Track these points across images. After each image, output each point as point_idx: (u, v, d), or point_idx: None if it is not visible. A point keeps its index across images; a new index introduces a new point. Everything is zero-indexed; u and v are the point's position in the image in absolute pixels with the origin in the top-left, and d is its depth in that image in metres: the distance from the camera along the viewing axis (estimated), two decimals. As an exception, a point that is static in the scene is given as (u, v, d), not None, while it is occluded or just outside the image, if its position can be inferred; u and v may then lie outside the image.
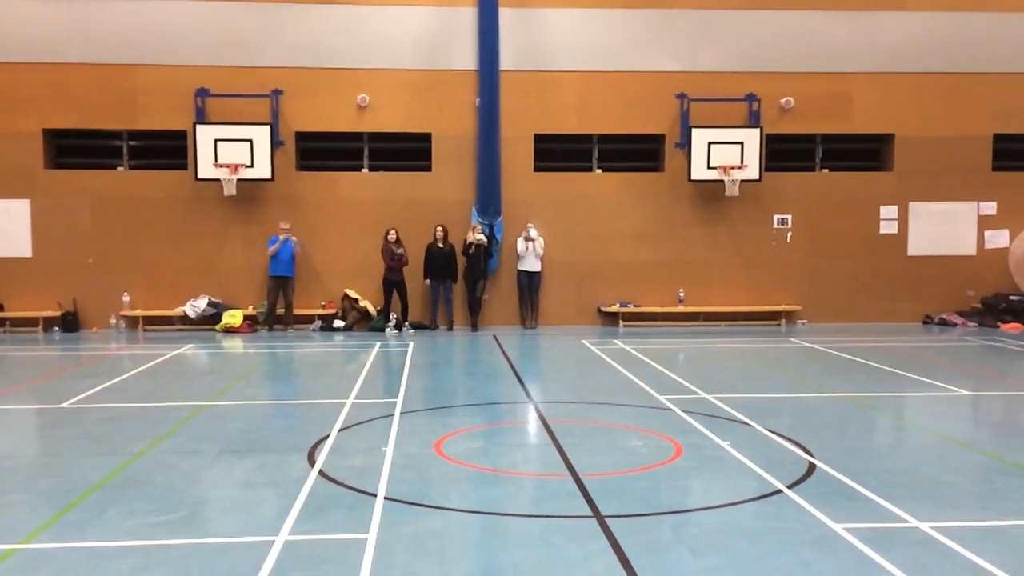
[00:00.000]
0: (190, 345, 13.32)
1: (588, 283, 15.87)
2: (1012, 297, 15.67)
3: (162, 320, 15.28)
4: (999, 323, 15.34)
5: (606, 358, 11.74)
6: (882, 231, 16.20)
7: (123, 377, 10.31)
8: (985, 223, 16.27)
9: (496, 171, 15.42)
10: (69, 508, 5.33)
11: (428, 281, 15.32)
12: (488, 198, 15.45)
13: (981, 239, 16.25)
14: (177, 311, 15.20)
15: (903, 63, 15.94)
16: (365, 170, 15.93)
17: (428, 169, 15.81)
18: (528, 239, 15.38)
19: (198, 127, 14.95)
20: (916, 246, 16.19)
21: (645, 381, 9.76)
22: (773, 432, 7.23)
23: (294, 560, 4.50)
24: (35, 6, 14.97)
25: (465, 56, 15.49)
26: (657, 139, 16.07)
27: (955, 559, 4.47)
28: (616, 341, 13.72)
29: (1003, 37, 15.94)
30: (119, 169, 15.63)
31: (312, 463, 6.32)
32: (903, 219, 16.20)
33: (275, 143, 15.09)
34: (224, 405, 8.63)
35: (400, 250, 15.03)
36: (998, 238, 16.13)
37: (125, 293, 15.21)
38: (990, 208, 16.23)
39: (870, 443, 7.31)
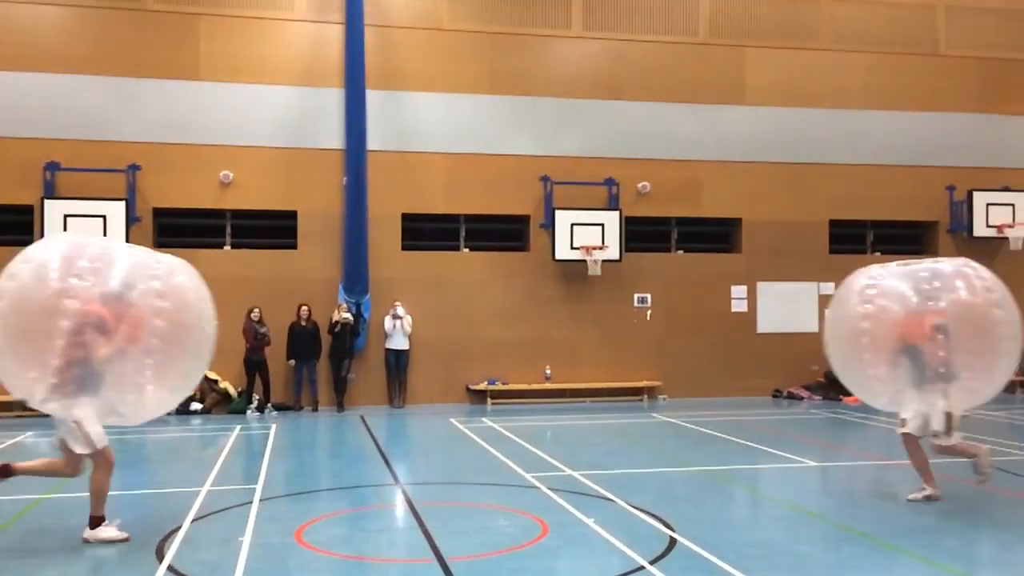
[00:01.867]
0: (29, 433, 12.40)
1: (456, 361, 15.88)
2: (852, 371, 16.69)
3: (0, 406, 14.17)
4: (841, 396, 16.30)
5: (474, 436, 11.71)
6: (733, 309, 17.08)
7: (-50, 470, 9.44)
8: (825, 302, 17.34)
9: (363, 249, 15.37)
10: None
11: (292, 361, 14.94)
12: (355, 276, 15.35)
13: (822, 317, 17.31)
14: (17, 396, 14.11)
15: (747, 153, 17.13)
16: (227, 247, 15.54)
17: (294, 247, 15.59)
18: (396, 317, 15.32)
19: (46, 202, 14.26)
20: (764, 324, 17.13)
21: (512, 459, 9.78)
22: (636, 507, 7.37)
23: (138, 666, 4.20)
24: None
25: (332, 135, 15.54)
26: (522, 220, 16.50)
27: (805, 627, 4.65)
28: (484, 419, 13.73)
29: (835, 131, 17.42)
30: (-45, 244, 14.63)
31: (160, 558, 5.95)
32: (752, 298, 17.15)
33: (131, 219, 14.54)
34: (64, 497, 8.04)
35: (263, 329, 14.64)
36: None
37: (-44, 377, 14.04)
38: (829, 288, 17.35)
39: (727, 515, 7.56)
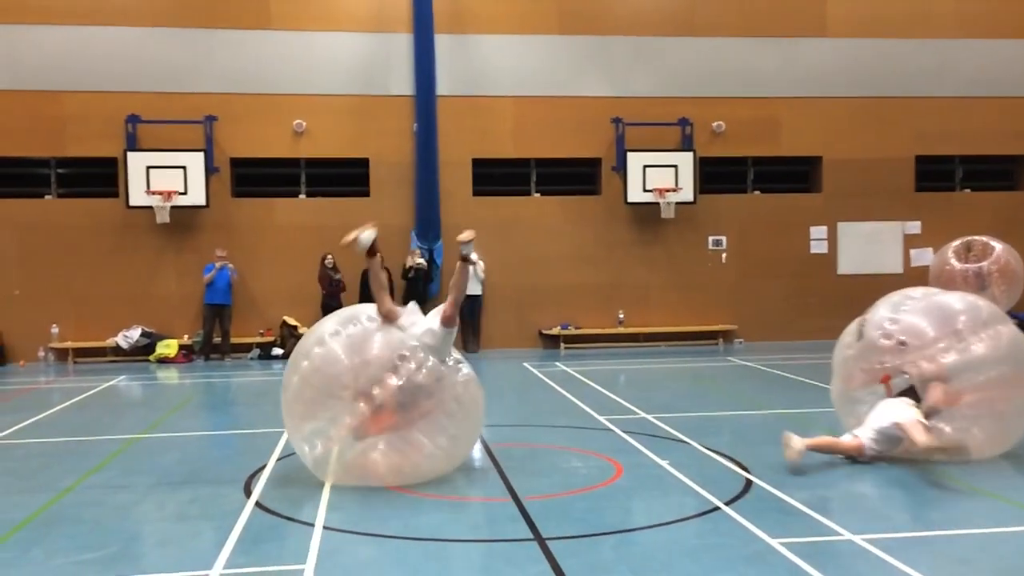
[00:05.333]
0: (122, 377, 12.97)
1: (529, 306, 15.93)
2: (938, 313, 16.16)
3: (93, 352, 14.85)
4: (926, 338, 15.81)
5: (547, 380, 11.78)
6: (812, 251, 16.64)
7: (51, 411, 9.99)
8: (910, 242, 16.83)
9: (435, 196, 15.42)
10: (-9, 549, 5.13)
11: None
12: (427, 223, 15.43)
13: (907, 257, 16.79)
14: (109, 342, 14.79)
15: (828, 88, 16.48)
16: (302, 196, 15.81)
17: (366, 194, 15.75)
18: (468, 263, 15.36)
19: (129, 154, 14.66)
20: (846, 265, 16.66)
21: (586, 402, 9.82)
22: (711, 450, 7.33)
23: (229, 594, 4.40)
24: (-43, 31, 14.57)
25: (402, 82, 15.52)
26: (594, 163, 16.29)
27: (887, 570, 4.58)
28: (557, 363, 13.79)
29: (921, 63, 16.60)
30: (47, 198, 15.23)
31: (248, 494, 6.19)
32: (832, 239, 16.67)
33: (209, 169, 14.87)
34: (157, 437, 8.42)
35: (338, 276, 14.90)
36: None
37: (54, 325, 14.76)
38: (915, 227, 16.80)
39: (805, 459, 7.43)
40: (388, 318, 6.45)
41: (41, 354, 14.85)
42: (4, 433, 8.62)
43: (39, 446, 8.07)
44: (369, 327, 6.39)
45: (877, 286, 16.37)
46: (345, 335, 6.34)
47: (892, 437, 6.64)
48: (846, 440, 6.83)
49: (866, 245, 16.67)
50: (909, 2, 16.59)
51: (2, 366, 14.52)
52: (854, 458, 6.76)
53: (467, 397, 6.46)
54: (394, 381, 6.08)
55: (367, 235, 6.48)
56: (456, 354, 6.71)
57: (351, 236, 6.49)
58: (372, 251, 6.58)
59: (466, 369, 6.61)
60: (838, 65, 16.46)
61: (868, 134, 16.57)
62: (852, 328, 7.71)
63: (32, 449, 7.93)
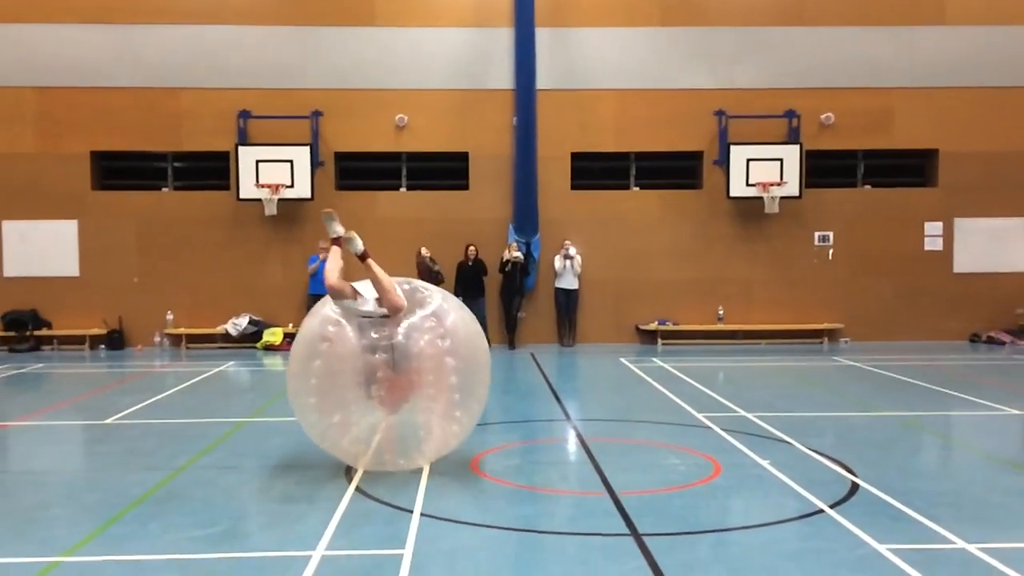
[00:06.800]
0: (231, 362, 13.49)
1: (626, 301, 15.78)
2: (1063, 315, 15.26)
3: (204, 338, 15.50)
4: (1050, 341, 14.96)
5: (644, 376, 11.65)
6: (927, 248, 15.91)
7: (166, 394, 10.47)
8: (1034, 239, 15.90)
9: (533, 189, 15.44)
10: (111, 522, 5.41)
11: (459, 298, 15.31)
12: (525, 216, 15.47)
13: (1031, 255, 15.87)
14: (219, 329, 15.41)
15: (946, 78, 15.71)
16: (403, 189, 16.08)
17: (465, 188, 15.90)
18: (567, 257, 15.36)
19: (240, 148, 15.21)
20: (962, 263, 15.86)
21: (683, 399, 9.66)
22: (814, 451, 7.11)
23: (331, 575, 4.51)
24: (83, 32, 15.39)
25: (502, 76, 15.59)
26: (695, 156, 16.00)
27: (1005, 582, 4.35)
28: (654, 359, 13.62)
29: (1050, 50, 15.65)
30: (164, 190, 15.95)
31: (349, 479, 6.34)
32: (948, 236, 15.90)
33: (315, 163, 15.29)
34: (264, 422, 8.72)
35: (436, 267, 15.08)
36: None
37: (169, 312, 15.47)
38: (1039, 224, 15.87)
39: (915, 463, 7.15)
40: (339, 294, 6.61)
41: (157, 339, 15.59)
42: (123, 414, 9.09)
43: (155, 426, 8.47)
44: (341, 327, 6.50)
45: (997, 285, 15.81)
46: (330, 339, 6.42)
47: None
48: None
49: (986, 242, 15.82)
50: (1036, -15, 15.66)
51: (121, 350, 15.31)
52: None
53: (458, 346, 6.60)
54: (379, 355, 6.20)
55: (349, 233, 6.90)
56: (429, 305, 6.93)
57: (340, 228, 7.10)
58: (338, 241, 6.98)
59: (446, 320, 6.77)
60: (957, 54, 15.68)
61: (989, 126, 15.72)
62: None
63: (148, 429, 8.33)
